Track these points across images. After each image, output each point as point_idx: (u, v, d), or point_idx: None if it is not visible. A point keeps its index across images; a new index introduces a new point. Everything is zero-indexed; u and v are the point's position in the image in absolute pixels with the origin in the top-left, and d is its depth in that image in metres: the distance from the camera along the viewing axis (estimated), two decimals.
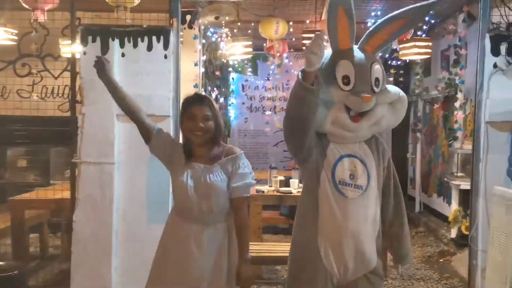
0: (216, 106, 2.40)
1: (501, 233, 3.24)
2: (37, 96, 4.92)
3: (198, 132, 2.29)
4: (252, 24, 5.54)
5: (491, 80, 3.50)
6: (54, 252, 5.05)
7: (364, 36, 2.19)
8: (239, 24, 5.50)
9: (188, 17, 5.14)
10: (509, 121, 3.37)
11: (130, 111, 2.35)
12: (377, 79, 2.13)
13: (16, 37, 4.38)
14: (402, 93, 2.20)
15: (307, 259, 2.13)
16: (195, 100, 2.35)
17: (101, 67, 2.31)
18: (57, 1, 4.01)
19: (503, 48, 3.50)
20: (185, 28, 5.12)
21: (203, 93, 2.66)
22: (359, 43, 2.17)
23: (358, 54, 2.13)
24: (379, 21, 2.19)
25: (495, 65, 3.50)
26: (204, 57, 5.51)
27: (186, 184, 2.27)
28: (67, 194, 3.92)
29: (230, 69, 7.38)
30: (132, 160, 3.59)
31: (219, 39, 5.98)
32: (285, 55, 6.38)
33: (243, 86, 8.10)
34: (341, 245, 2.11)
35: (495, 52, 3.50)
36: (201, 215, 2.29)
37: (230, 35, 5.85)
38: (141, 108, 2.38)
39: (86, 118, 3.61)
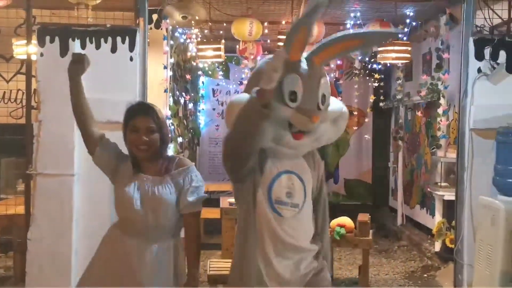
0: (162, 116, 2.40)
1: (487, 246, 3.34)
2: None
3: (141, 146, 2.28)
4: (224, 24, 5.58)
5: (475, 85, 3.62)
6: (5, 274, 4.92)
7: (316, 47, 2.17)
8: (210, 24, 5.53)
9: (154, 16, 5.13)
10: (494, 128, 3.49)
11: (83, 118, 2.37)
12: (323, 96, 2.13)
13: None
14: (344, 108, 2.25)
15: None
16: (138, 111, 2.34)
17: (80, 68, 2.33)
18: None
19: (487, 52, 3.63)
20: (151, 28, 5.10)
21: (148, 102, 2.66)
22: (307, 54, 2.16)
23: (306, 67, 2.13)
24: (335, 36, 2.18)
25: (479, 70, 3.64)
26: (172, 60, 5.51)
27: (131, 196, 2.27)
28: (20, 210, 3.84)
29: (200, 72, 7.38)
30: (94, 171, 3.53)
31: (188, 40, 5.99)
32: (259, 57, 6.43)
33: (213, 90, 8.12)
34: (283, 264, 2.16)
35: (479, 56, 3.64)
36: (146, 229, 2.29)
37: (200, 36, 5.87)
38: (93, 116, 2.40)
39: (43, 126, 3.57)
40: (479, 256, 3.44)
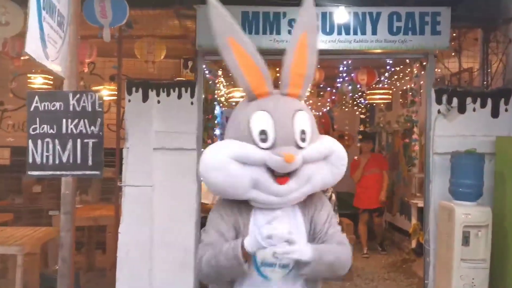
0: None
1: (446, 235, 4.66)
2: None
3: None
4: None
5: (436, 122, 4.97)
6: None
7: (282, 77, 1.91)
8: None
9: (190, 63, 6.47)
10: (449, 152, 4.82)
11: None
12: (303, 132, 1.85)
13: None
14: (337, 145, 1.96)
15: None
16: None
17: None
18: None
19: (444, 98, 4.99)
20: (187, 73, 6.46)
21: None
22: (280, 88, 1.92)
23: (278, 101, 1.85)
24: (286, 52, 1.90)
25: (439, 111, 4.98)
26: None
27: None
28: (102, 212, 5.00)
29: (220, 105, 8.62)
30: (165, 183, 4.86)
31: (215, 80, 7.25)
32: None
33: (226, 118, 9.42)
34: None
35: (439, 101, 4.98)
36: None
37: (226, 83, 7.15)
38: None
39: (129, 151, 4.84)
40: (440, 243, 4.75)
